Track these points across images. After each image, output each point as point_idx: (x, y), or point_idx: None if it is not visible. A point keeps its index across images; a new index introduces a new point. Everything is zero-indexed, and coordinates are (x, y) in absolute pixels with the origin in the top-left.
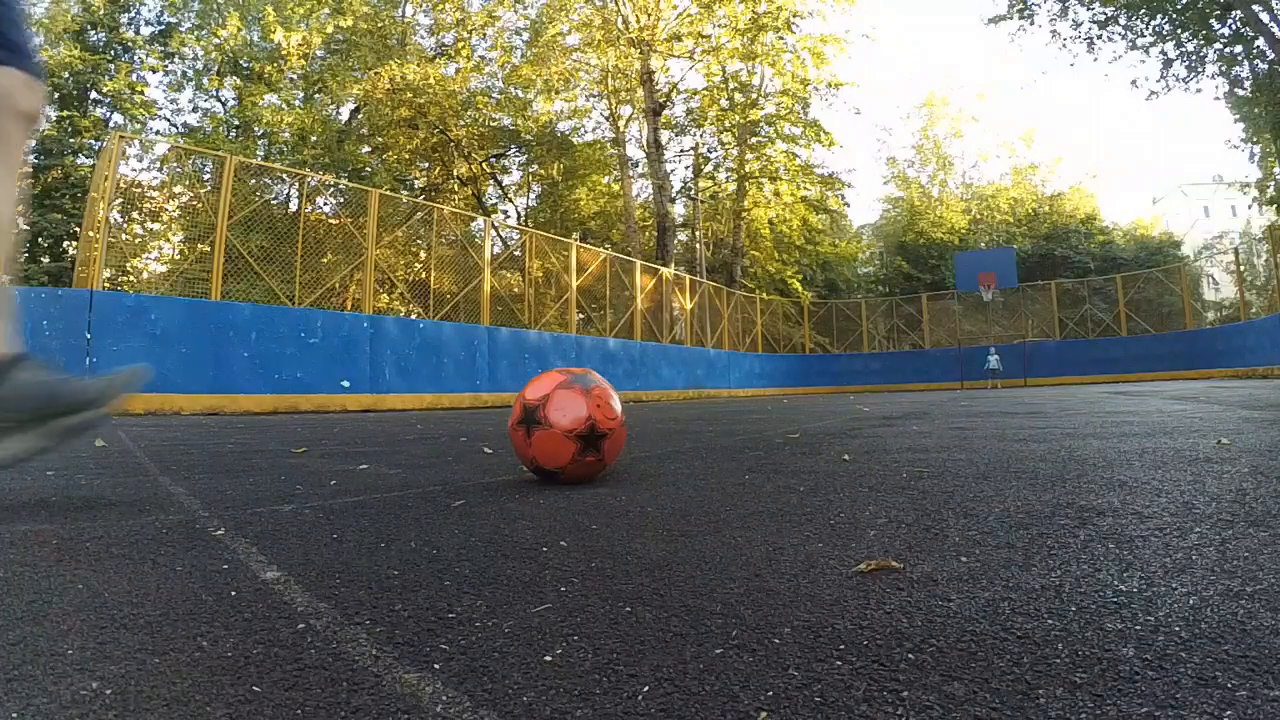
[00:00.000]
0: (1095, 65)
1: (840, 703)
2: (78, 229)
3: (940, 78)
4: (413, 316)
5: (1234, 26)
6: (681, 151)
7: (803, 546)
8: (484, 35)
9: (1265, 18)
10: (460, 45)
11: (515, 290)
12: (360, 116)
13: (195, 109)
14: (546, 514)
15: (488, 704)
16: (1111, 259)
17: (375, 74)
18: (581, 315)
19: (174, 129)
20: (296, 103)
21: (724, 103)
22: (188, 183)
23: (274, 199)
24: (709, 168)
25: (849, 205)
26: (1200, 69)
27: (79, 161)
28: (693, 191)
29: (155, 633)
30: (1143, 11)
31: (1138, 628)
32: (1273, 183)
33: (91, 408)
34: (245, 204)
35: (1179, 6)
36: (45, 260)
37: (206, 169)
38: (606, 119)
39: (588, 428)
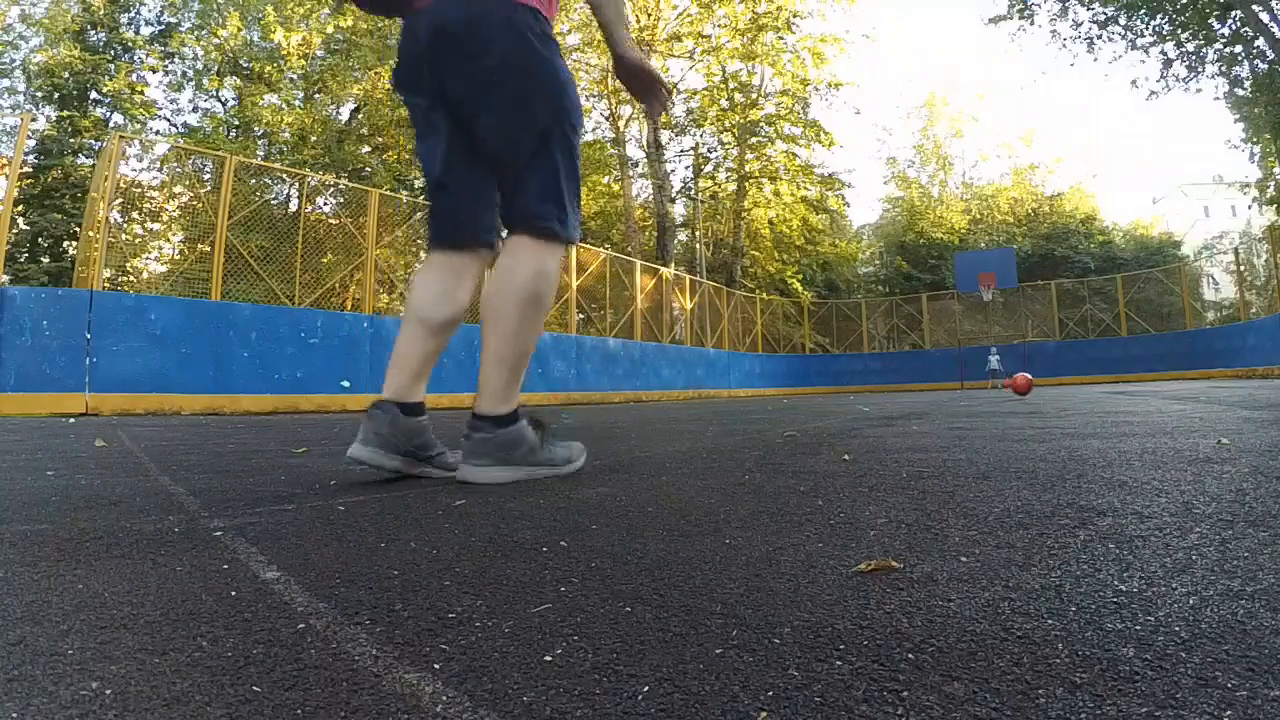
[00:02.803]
0: (1095, 65)
1: (840, 703)
2: (78, 229)
3: (940, 78)
4: None
5: (1234, 26)
6: (681, 151)
7: (803, 546)
8: None
9: (1265, 18)
10: None
11: None
12: (360, 116)
13: (195, 109)
14: (546, 514)
15: (488, 704)
16: (1111, 259)
17: (375, 74)
18: (581, 315)
19: (174, 129)
20: (296, 103)
21: (724, 103)
22: (188, 183)
23: (274, 199)
24: (709, 168)
25: (849, 205)
26: (1200, 69)
27: (79, 161)
28: (693, 191)
29: (155, 633)
30: (1143, 11)
31: (1138, 628)
32: (1273, 183)
33: (555, 467)
34: (245, 204)
35: (1179, 6)
36: (45, 260)
37: (206, 169)
38: (606, 119)
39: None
